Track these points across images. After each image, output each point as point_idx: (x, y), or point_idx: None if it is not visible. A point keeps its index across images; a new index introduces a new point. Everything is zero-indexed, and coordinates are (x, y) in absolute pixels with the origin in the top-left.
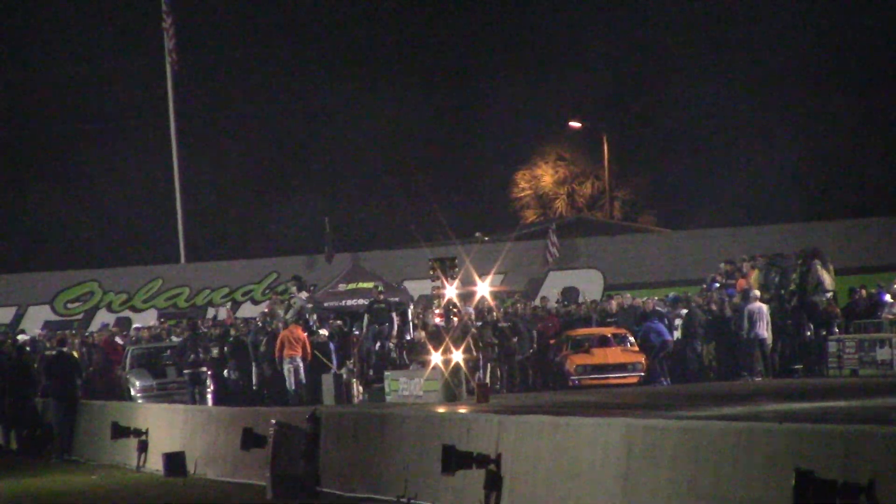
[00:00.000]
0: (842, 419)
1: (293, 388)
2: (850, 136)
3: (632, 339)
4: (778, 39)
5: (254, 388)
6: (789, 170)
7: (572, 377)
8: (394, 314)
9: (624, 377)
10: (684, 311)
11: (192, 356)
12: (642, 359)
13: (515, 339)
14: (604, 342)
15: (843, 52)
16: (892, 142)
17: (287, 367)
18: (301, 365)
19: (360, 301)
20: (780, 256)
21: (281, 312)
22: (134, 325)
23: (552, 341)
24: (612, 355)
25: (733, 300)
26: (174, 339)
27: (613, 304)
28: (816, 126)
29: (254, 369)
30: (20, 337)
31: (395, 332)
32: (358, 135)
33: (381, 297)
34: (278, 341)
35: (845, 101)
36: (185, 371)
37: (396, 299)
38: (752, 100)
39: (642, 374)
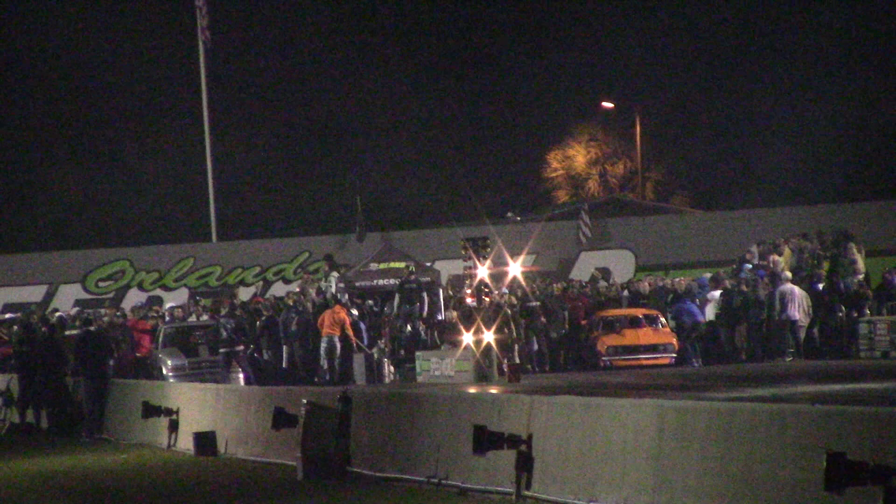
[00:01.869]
0: (873, 401)
1: (327, 367)
2: (885, 118)
3: (663, 320)
4: (812, 20)
5: (283, 367)
6: (823, 151)
7: (603, 358)
8: (424, 294)
9: (655, 358)
10: (717, 293)
11: (225, 334)
12: (673, 340)
13: (543, 320)
14: (635, 323)
15: (878, 33)
16: None
17: (323, 346)
18: (338, 345)
19: (392, 281)
20: (818, 235)
21: (312, 292)
22: (167, 305)
23: (584, 322)
24: (644, 336)
25: (763, 281)
26: (204, 318)
27: (646, 285)
28: (850, 107)
29: (284, 349)
30: (56, 314)
31: (425, 312)
32: (390, 114)
33: (413, 277)
34: (321, 319)
35: (880, 82)
36: (221, 350)
37: (427, 279)
38: (785, 80)
39: (674, 355)
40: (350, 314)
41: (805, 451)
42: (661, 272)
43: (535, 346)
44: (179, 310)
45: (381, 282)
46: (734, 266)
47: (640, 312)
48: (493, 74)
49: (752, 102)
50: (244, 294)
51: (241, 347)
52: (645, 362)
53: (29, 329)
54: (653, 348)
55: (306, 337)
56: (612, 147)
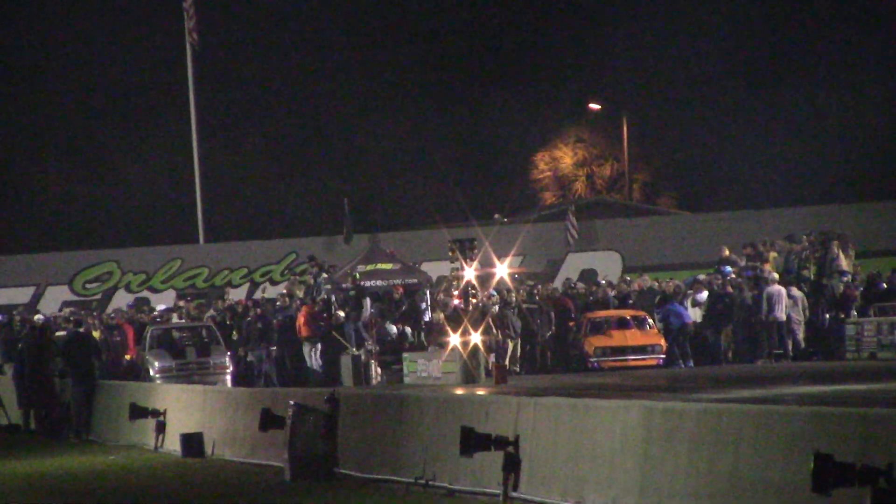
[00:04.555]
0: (861, 402)
1: (314, 368)
2: (874, 118)
3: (651, 321)
4: (800, 21)
5: (265, 368)
6: (811, 152)
7: (591, 359)
8: (367, 300)
9: (643, 359)
10: (704, 294)
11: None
12: (661, 341)
13: (539, 322)
14: (623, 324)
15: (867, 34)
16: None
17: (307, 349)
18: (319, 346)
19: (379, 282)
20: (806, 236)
21: (299, 293)
22: (159, 307)
23: (572, 323)
24: (632, 337)
25: (749, 282)
26: (182, 321)
27: (635, 286)
28: (839, 107)
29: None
30: (37, 317)
31: (364, 317)
32: (378, 116)
33: (353, 282)
34: (298, 321)
35: (869, 83)
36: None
37: (379, 283)
38: (773, 82)
39: (662, 356)
40: (337, 316)
41: (793, 453)
42: (649, 274)
43: (527, 348)
44: (175, 313)
45: (368, 283)
46: (715, 268)
47: (627, 314)
48: (480, 76)
49: (739, 104)
50: (234, 294)
51: (274, 348)
52: (633, 363)
53: (32, 329)
54: (641, 349)
55: (287, 340)
56: (600, 149)
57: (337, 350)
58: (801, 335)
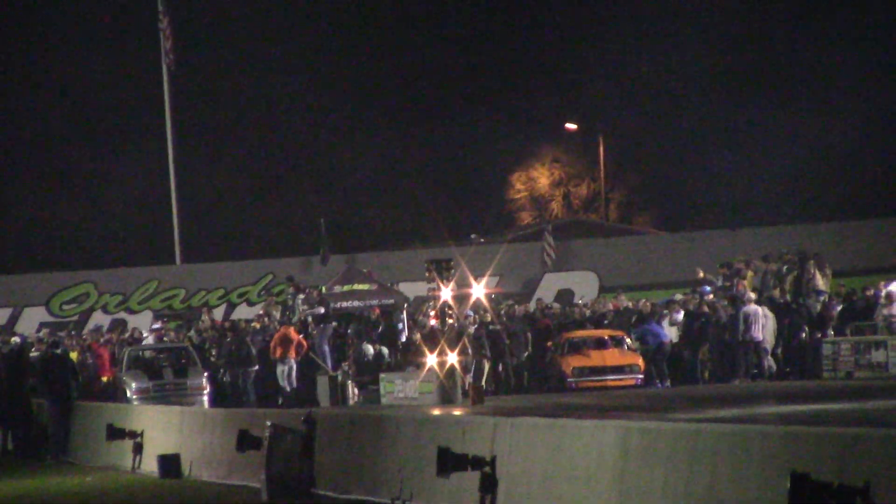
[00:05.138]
0: (837, 422)
1: (288, 388)
2: (849, 137)
3: (629, 341)
4: (775, 38)
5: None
6: (787, 171)
7: (569, 379)
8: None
9: (621, 379)
10: (681, 314)
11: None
12: (639, 361)
13: (508, 342)
14: (601, 344)
15: (841, 51)
16: (890, 142)
17: (280, 369)
18: (294, 366)
19: (356, 303)
20: (780, 256)
21: (276, 314)
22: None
23: (549, 343)
24: (610, 357)
25: (723, 302)
26: (165, 340)
27: (611, 306)
28: (814, 126)
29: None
30: (13, 339)
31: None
32: (354, 136)
33: (318, 295)
34: (273, 342)
35: (843, 101)
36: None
37: (356, 303)
38: (749, 101)
39: (640, 376)
40: (310, 336)
41: (769, 472)
42: (626, 293)
43: (500, 368)
44: (153, 333)
45: (345, 304)
46: (691, 288)
47: (605, 333)
48: (456, 96)
49: (715, 123)
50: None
51: (257, 367)
52: (611, 384)
53: (10, 350)
54: (619, 369)
55: (265, 360)
56: (576, 168)
57: (313, 371)
58: (770, 354)
